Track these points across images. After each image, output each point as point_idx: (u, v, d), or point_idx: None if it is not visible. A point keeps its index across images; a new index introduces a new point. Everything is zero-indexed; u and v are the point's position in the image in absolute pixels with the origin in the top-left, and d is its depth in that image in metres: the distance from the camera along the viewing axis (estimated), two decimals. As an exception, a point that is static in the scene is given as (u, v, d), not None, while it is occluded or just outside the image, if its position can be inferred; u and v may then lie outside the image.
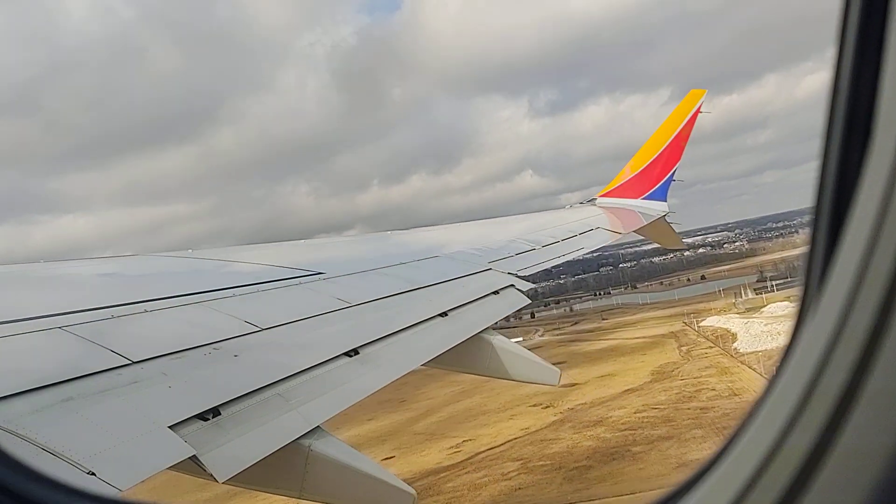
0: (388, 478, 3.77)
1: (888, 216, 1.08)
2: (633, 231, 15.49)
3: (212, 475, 3.07)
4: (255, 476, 3.32)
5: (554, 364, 6.00)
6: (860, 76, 1.18)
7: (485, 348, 5.73)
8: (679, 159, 17.59)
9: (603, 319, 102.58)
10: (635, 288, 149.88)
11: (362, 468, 3.71)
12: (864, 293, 1.10)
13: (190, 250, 6.82)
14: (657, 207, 16.85)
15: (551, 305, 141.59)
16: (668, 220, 17.02)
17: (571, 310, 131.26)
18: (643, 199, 17.09)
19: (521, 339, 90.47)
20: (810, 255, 1.30)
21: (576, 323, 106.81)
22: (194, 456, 3.04)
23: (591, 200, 16.93)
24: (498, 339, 5.81)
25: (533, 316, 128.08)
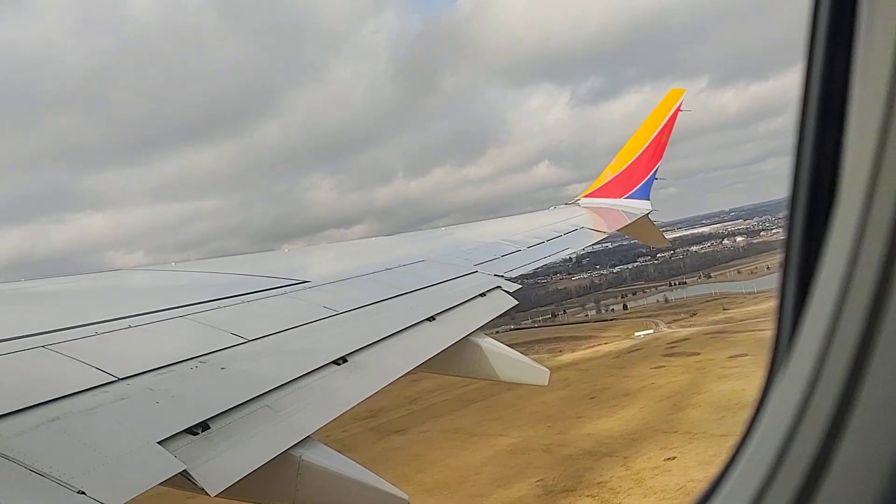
0: (381, 484, 3.77)
1: (868, 227, 1.06)
2: (618, 230, 15.61)
3: (203, 489, 3.06)
4: (248, 488, 3.30)
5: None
6: (831, 83, 1.17)
7: (473, 351, 5.74)
8: (661, 158, 17.77)
9: (724, 309, 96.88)
10: (710, 277, 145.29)
11: (355, 476, 3.70)
12: (851, 299, 1.09)
13: (173, 263, 6.78)
14: (640, 206, 16.99)
15: (628, 296, 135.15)
16: (652, 219, 17.17)
17: (667, 300, 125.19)
18: (626, 198, 17.23)
19: (650, 331, 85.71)
20: (785, 262, 1.28)
21: (694, 314, 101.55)
22: (185, 470, 3.03)
23: (575, 201, 17.04)
24: (486, 342, 5.83)
25: (626, 307, 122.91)
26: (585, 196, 17.24)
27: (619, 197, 17.20)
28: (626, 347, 78.01)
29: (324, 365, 4.34)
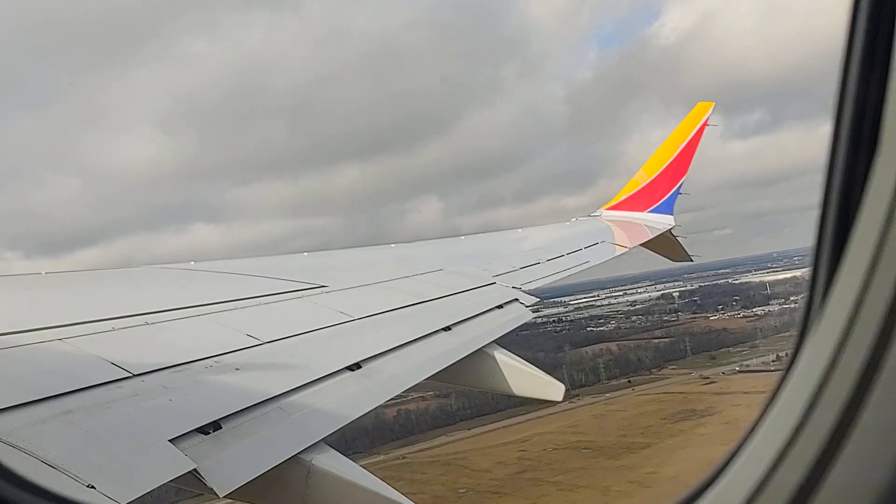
0: (391, 493, 3.73)
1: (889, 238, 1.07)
2: (640, 245, 15.42)
3: (212, 489, 3.05)
4: (256, 490, 3.29)
5: None
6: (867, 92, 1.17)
7: (488, 363, 5.69)
8: (686, 172, 17.56)
9: None
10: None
11: (364, 484, 3.68)
12: (865, 310, 1.09)
13: (192, 262, 6.84)
14: (664, 221, 16.78)
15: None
16: (675, 234, 16.96)
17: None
18: (649, 212, 17.04)
19: None
20: (814, 271, 1.30)
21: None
22: (195, 470, 3.03)
23: (597, 214, 16.90)
24: (501, 354, 5.77)
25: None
26: (608, 209, 17.08)
27: (642, 211, 17.01)
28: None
29: (338, 370, 4.33)
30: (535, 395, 5.96)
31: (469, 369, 5.55)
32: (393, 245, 9.93)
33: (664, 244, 16.74)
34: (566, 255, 10.53)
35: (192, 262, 6.83)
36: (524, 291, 7.59)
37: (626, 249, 13.80)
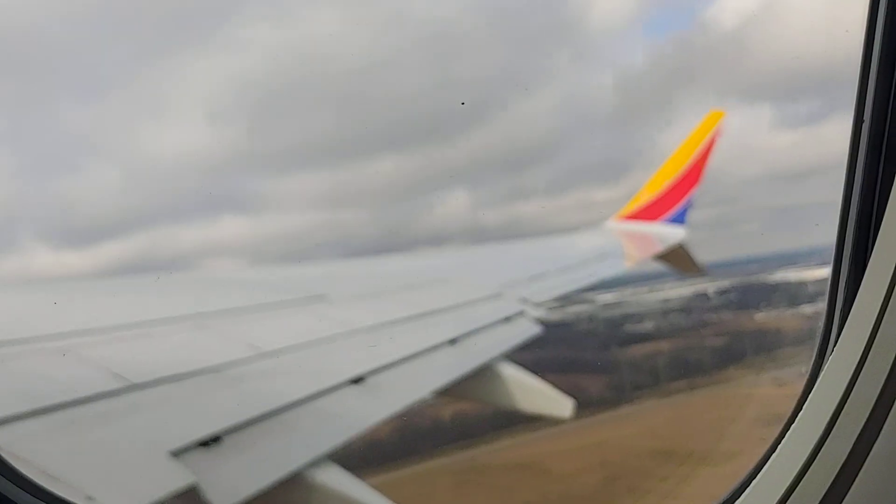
0: None
1: None
2: (650, 257, 15.35)
3: None
4: None
5: None
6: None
7: (494, 377, 5.64)
8: (698, 182, 17.47)
9: None
10: None
11: (365, 500, 3.65)
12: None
13: (194, 271, 6.86)
14: (675, 232, 16.69)
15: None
16: (686, 247, 16.86)
17: None
18: (660, 223, 16.96)
19: None
20: (831, 299, 1.29)
21: None
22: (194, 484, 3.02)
23: (606, 224, 16.82)
24: (507, 368, 5.72)
25: None
26: (618, 219, 17.01)
27: (654, 221, 16.93)
28: None
29: (340, 383, 4.31)
30: (543, 411, 5.91)
31: (475, 383, 5.51)
32: (397, 255, 9.91)
33: (675, 256, 16.64)
34: (575, 268, 10.47)
35: (195, 271, 6.85)
36: (532, 304, 7.53)
37: (636, 262, 13.74)
